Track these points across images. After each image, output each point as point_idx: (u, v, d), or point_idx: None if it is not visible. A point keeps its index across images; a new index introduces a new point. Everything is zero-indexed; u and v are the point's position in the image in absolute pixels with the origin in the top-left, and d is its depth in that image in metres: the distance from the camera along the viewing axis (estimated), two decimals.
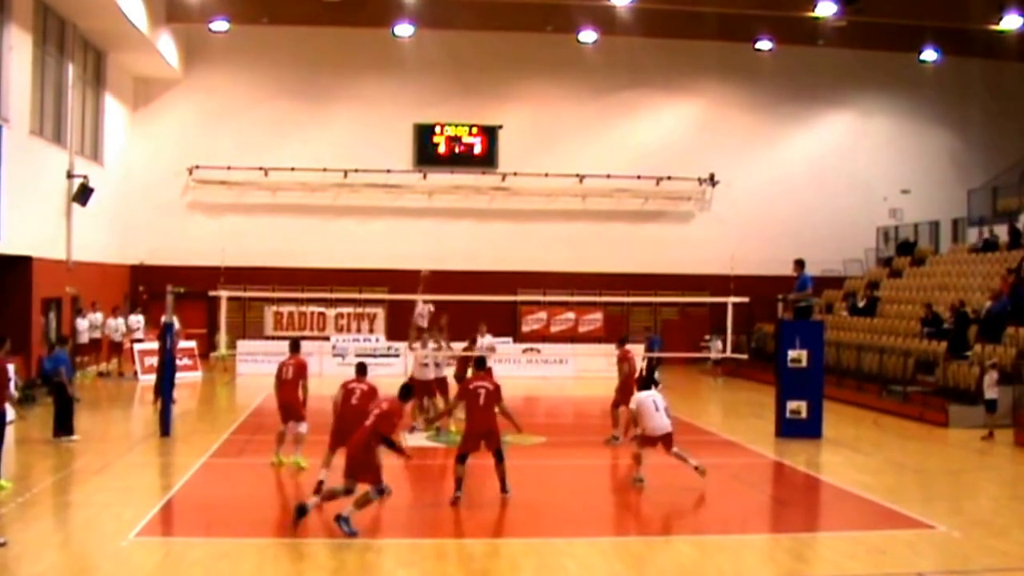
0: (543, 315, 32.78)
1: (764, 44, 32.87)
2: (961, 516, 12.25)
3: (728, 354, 22.80)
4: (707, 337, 31.06)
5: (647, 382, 14.58)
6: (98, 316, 26.55)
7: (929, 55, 33.17)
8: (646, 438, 13.61)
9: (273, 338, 30.94)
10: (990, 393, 18.71)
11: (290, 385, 14.44)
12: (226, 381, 27.02)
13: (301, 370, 14.51)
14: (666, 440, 13.66)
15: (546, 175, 33.24)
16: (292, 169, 32.20)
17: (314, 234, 32.65)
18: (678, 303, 32.78)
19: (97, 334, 26.50)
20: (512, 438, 16.90)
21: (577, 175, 33.39)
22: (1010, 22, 28.10)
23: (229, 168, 32.07)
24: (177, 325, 21.03)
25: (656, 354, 24.36)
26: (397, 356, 26.82)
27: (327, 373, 26.46)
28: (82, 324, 26.09)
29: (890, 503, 12.85)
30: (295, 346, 15.22)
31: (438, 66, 32.85)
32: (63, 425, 16.62)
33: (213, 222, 32.54)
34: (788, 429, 18.10)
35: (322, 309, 31.84)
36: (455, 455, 12.80)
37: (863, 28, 30.77)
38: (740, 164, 34.41)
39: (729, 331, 21.24)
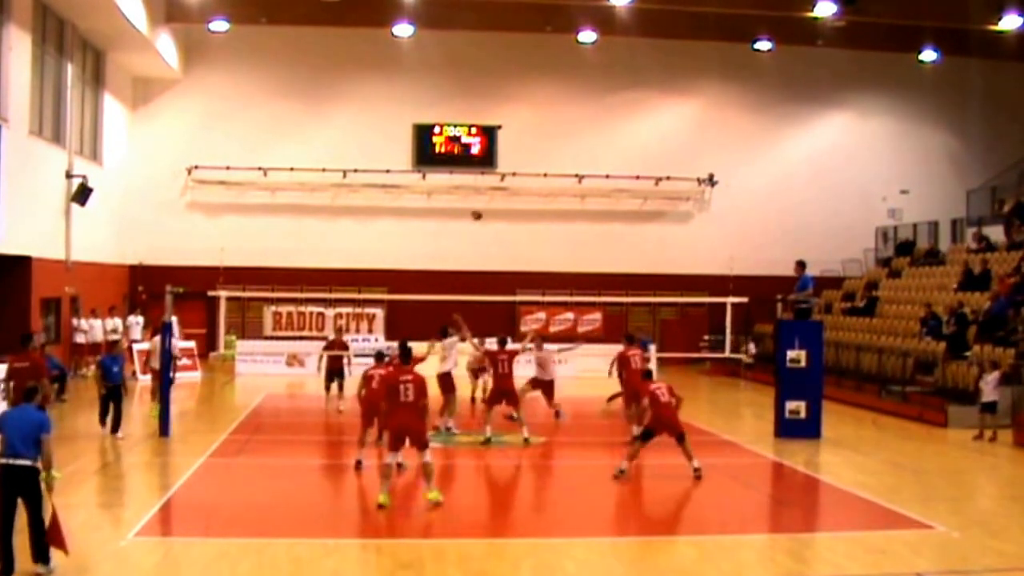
0: (542, 315, 32.75)
1: (763, 44, 32.81)
2: (960, 516, 12.24)
3: (728, 354, 22.79)
4: (703, 338, 30.99)
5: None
6: (96, 322, 26.56)
7: (928, 55, 33.12)
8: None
9: (272, 338, 30.99)
10: (991, 395, 18.44)
11: None
12: (225, 381, 26.98)
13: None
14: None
15: (545, 175, 33.22)
16: (291, 169, 32.16)
17: (313, 234, 32.60)
18: (677, 303, 32.79)
19: (98, 336, 26.48)
20: (511, 437, 16.95)
21: (576, 175, 33.36)
22: (1009, 22, 28.11)
23: (228, 168, 32.03)
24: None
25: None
26: None
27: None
28: (83, 326, 26.08)
29: (889, 503, 12.84)
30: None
31: (437, 66, 32.81)
32: (115, 423, 17.32)
33: (212, 222, 32.51)
34: (787, 429, 18.08)
35: (321, 309, 31.80)
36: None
37: (862, 28, 30.77)
38: (739, 164, 34.38)
39: (728, 331, 21.27)
